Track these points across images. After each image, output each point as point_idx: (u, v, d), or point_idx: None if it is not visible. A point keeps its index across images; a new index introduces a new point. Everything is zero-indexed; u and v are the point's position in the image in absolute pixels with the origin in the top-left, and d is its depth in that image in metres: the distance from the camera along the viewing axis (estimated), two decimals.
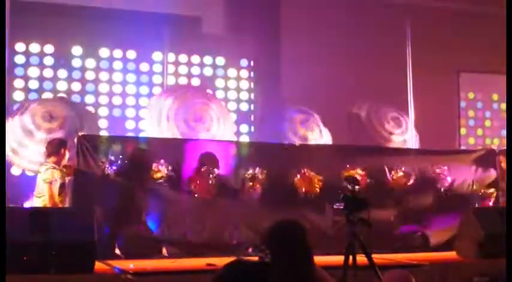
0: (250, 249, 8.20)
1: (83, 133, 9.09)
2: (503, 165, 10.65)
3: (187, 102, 10.97)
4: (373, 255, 6.41)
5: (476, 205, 9.99)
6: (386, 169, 9.85)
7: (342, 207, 6.49)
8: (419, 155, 10.65)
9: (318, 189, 9.31)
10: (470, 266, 7.44)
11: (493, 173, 10.48)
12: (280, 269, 3.54)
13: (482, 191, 10.21)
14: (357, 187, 6.91)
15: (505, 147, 11.78)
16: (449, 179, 10.10)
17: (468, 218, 8.29)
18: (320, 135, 11.45)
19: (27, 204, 8.96)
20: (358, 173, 9.36)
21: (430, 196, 10.02)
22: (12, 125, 10.04)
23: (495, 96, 14.01)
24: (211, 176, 8.89)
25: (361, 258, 6.29)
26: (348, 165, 9.50)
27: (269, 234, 3.86)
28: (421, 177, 10.04)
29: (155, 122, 10.77)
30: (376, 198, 8.32)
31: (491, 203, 10.10)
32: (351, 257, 6.22)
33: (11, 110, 10.64)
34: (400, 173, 9.89)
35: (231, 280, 2.53)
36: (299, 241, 3.85)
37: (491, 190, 10.21)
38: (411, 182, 9.90)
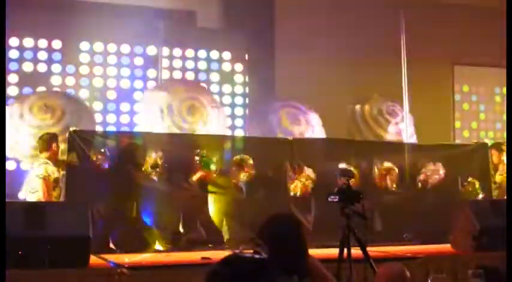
0: (244, 245, 8.19)
1: (74, 128, 9.05)
2: (496, 159, 10.68)
3: (181, 97, 10.93)
4: (368, 248, 6.40)
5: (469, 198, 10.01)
6: (375, 163, 9.84)
7: (336, 199, 6.46)
8: (410, 149, 10.61)
9: (311, 183, 9.30)
10: (465, 259, 7.45)
11: (485, 167, 10.49)
12: (277, 262, 3.53)
13: (474, 184, 10.22)
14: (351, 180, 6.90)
15: (499, 141, 11.84)
16: (441, 173, 10.11)
17: (462, 211, 8.29)
18: (313, 130, 11.42)
19: (20, 199, 8.92)
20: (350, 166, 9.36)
21: (416, 190, 10.05)
22: (9, 117, 10.01)
23: (489, 89, 14.01)
24: (203, 170, 8.89)
25: (356, 251, 6.29)
26: (340, 159, 9.49)
27: (265, 228, 3.85)
28: (410, 171, 10.06)
29: (150, 117, 10.74)
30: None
31: (482, 196, 10.11)
32: (345, 250, 6.22)
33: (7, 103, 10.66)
34: (388, 166, 9.90)
35: (228, 275, 2.52)
36: (294, 234, 3.84)
37: (481, 184, 10.22)
38: (397, 177, 9.91)
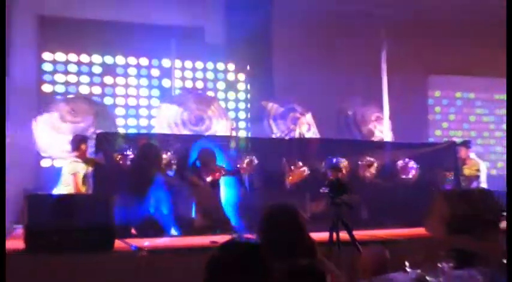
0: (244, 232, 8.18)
1: (100, 131, 9.07)
2: (463, 154, 10.71)
3: (190, 108, 10.96)
4: (354, 233, 6.43)
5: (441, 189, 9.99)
6: (360, 160, 9.82)
7: (327, 191, 6.50)
8: (390, 147, 10.62)
9: (304, 176, 9.30)
10: (439, 242, 7.45)
11: (453, 162, 10.48)
12: (274, 247, 3.53)
13: (445, 177, 10.22)
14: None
15: (466, 139, 11.87)
16: (415, 167, 10.08)
17: (436, 199, 8.30)
18: (308, 131, 11.44)
19: (55, 192, 8.94)
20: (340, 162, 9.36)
21: (396, 182, 10.02)
22: (42, 121, 10.05)
23: (458, 94, 14.04)
24: (211, 166, 8.90)
25: (344, 235, 6.30)
26: (330, 156, 9.49)
27: (267, 216, 3.84)
28: (391, 166, 10.05)
29: (165, 126, 10.78)
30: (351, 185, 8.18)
31: (452, 187, 10.10)
32: (335, 235, 6.24)
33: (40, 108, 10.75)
34: (371, 162, 9.88)
35: (225, 258, 2.53)
36: (294, 220, 3.83)
37: (451, 176, 10.22)
38: (379, 171, 9.88)
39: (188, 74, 12.78)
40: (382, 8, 13.29)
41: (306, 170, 9.36)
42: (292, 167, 9.34)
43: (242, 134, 12.77)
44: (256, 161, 9.16)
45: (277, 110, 11.54)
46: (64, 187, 8.78)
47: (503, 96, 14.20)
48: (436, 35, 13.79)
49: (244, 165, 9.11)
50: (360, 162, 9.78)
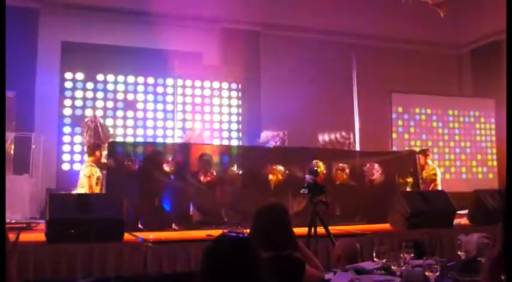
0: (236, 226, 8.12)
1: (112, 140, 9.03)
2: (422, 161, 10.72)
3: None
4: (329, 227, 6.42)
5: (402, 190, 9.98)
6: (333, 165, 9.79)
7: (306, 192, 6.49)
8: (360, 155, 10.61)
9: (284, 179, 9.22)
10: (400, 234, 7.46)
11: (413, 167, 10.48)
12: (263, 240, 3.50)
13: (405, 180, 10.21)
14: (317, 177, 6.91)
15: (424, 148, 11.91)
16: (380, 171, 10.07)
17: (398, 199, 8.30)
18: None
19: (73, 192, 8.89)
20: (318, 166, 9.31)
21: (364, 184, 9.98)
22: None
23: (417, 110, 14.08)
24: (207, 170, 8.86)
25: (321, 230, 6.29)
26: (308, 162, 9.44)
27: (255, 215, 3.82)
28: (360, 171, 10.02)
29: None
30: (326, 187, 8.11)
31: (412, 189, 10.10)
32: (312, 229, 6.22)
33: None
34: (343, 167, 9.85)
35: (218, 249, 2.53)
36: (284, 219, 3.80)
37: (411, 179, 10.22)
38: (350, 175, 9.84)
39: (188, 91, 12.78)
40: (352, 38, 13.42)
41: (283, 170, 9.28)
42: (277, 171, 9.29)
43: (234, 142, 12.77)
44: (245, 166, 9.11)
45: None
46: (81, 188, 8.73)
47: (456, 112, 14.31)
48: (398, 61, 13.97)
49: (236, 168, 9.07)
50: (333, 167, 9.75)
